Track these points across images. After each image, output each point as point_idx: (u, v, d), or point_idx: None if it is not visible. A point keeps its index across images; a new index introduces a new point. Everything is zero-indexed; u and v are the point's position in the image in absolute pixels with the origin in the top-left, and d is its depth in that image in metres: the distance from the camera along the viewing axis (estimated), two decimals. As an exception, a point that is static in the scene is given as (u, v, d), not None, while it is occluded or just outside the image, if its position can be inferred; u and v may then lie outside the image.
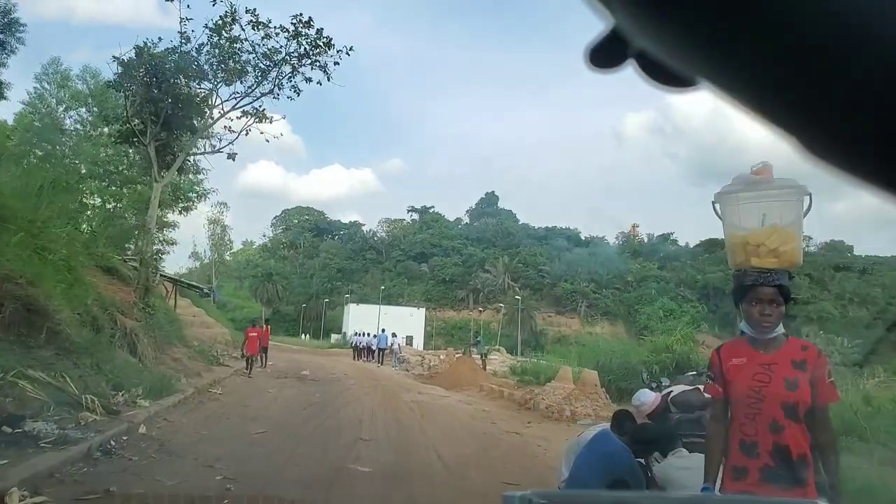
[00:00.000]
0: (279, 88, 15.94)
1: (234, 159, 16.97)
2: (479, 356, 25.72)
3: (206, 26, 14.99)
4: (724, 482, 2.36)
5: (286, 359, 25.61)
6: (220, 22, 14.93)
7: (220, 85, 15.98)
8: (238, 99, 16.11)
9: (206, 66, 15.45)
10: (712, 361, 2.53)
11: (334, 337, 66.43)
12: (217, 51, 15.24)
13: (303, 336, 71.84)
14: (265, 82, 15.89)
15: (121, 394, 8.10)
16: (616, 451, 3.60)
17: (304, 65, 15.66)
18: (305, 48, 15.41)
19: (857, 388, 11.08)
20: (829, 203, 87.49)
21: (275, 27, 15.24)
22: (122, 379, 8.57)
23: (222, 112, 16.27)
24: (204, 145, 17.79)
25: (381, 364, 29.61)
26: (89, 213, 22.52)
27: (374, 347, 32.56)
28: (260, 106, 16.27)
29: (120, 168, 27.10)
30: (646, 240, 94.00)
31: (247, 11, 15.01)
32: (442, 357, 29.34)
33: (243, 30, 15.19)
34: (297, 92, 15.93)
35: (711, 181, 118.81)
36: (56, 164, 23.82)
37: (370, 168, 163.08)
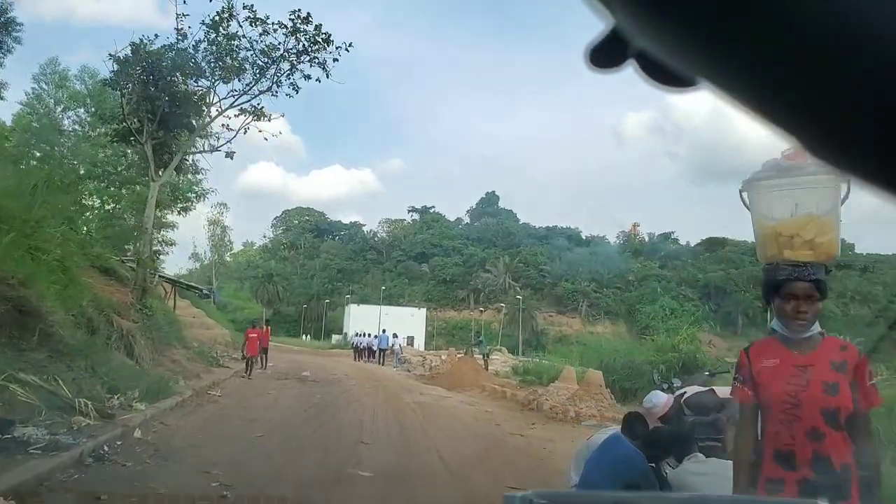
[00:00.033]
0: (277, 86, 15.82)
1: (232, 158, 16.84)
2: (480, 356, 25.54)
3: (202, 23, 14.84)
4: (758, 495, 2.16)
5: (287, 360, 25.47)
6: (217, 18, 14.77)
7: (217, 82, 15.85)
8: (236, 96, 15.99)
9: (203, 64, 15.30)
10: (741, 362, 2.33)
11: (335, 338, 66.33)
12: (214, 48, 15.08)
13: (303, 337, 71.74)
14: (263, 79, 15.76)
15: (116, 397, 7.93)
16: (629, 456, 3.47)
17: (302, 61, 15.52)
18: (304, 45, 15.26)
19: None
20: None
21: (273, 23, 15.10)
22: (118, 381, 8.40)
23: (220, 110, 16.14)
24: (202, 144, 17.64)
25: (382, 365, 29.46)
26: (88, 214, 22.37)
27: (374, 348, 32.42)
28: (258, 104, 16.14)
29: (119, 169, 26.92)
30: (647, 239, 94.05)
31: (244, 7, 14.89)
32: (443, 357, 29.16)
33: (241, 26, 15.06)
34: (296, 89, 15.81)
35: (712, 180, 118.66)
36: (54, 164, 23.65)
37: (370, 168, 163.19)
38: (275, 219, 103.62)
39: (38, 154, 26.13)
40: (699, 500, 2.17)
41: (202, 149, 17.74)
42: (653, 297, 73.06)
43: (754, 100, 0.37)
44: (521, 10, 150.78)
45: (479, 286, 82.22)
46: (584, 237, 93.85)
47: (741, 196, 2.40)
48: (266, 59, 15.46)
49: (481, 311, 78.30)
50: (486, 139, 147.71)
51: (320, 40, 15.21)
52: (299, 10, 15.04)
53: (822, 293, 2.18)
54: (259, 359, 18.34)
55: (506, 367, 25.76)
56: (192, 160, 19.84)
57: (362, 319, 53.79)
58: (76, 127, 30.82)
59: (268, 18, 15.06)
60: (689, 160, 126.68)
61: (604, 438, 3.73)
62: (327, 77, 15.57)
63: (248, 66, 15.53)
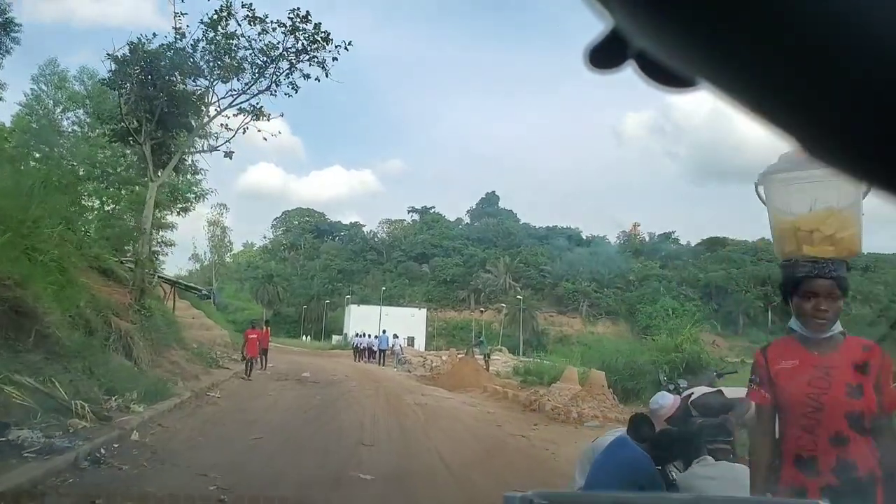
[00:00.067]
0: (276, 85, 15.74)
1: (231, 157, 16.74)
2: (481, 357, 25.45)
3: (201, 21, 14.74)
4: None
5: (287, 360, 25.38)
6: (215, 17, 14.67)
7: (216, 82, 15.75)
8: (235, 96, 15.89)
9: (201, 63, 15.20)
10: (757, 363, 2.24)
11: (335, 338, 66.21)
12: (213, 47, 14.97)
13: (304, 338, 71.61)
14: (262, 79, 15.67)
15: (113, 399, 7.84)
16: (636, 458, 3.38)
17: (301, 61, 15.43)
18: (303, 43, 15.17)
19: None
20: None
21: (272, 22, 15.01)
22: (116, 383, 8.32)
23: (219, 109, 16.04)
24: (201, 144, 17.55)
25: (383, 365, 29.36)
26: (87, 214, 22.24)
27: (375, 348, 32.33)
28: (257, 103, 16.04)
29: (118, 169, 26.84)
30: (647, 239, 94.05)
31: (243, 6, 14.79)
32: (444, 358, 29.07)
33: (239, 25, 14.97)
34: (295, 89, 15.73)
35: (712, 180, 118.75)
36: (53, 165, 23.55)
37: (370, 169, 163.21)
38: (275, 219, 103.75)
39: (37, 155, 26.05)
40: (697, 501, 2.14)
41: (201, 149, 17.67)
42: (654, 297, 72.91)
43: (754, 100, 0.36)
44: (521, 10, 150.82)
45: (479, 286, 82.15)
46: (584, 237, 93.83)
47: (756, 190, 2.30)
48: (265, 59, 15.38)
49: (482, 311, 78.23)
50: (486, 139, 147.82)
51: (319, 39, 15.12)
52: (298, 8, 14.97)
53: (843, 291, 2.08)
54: (259, 360, 18.26)
55: (507, 368, 25.65)
56: (191, 160, 19.80)
57: (362, 320, 53.71)
58: (75, 128, 30.76)
59: (266, 17, 15.00)
60: (689, 160, 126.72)
61: (609, 441, 3.65)
62: (327, 76, 15.50)
63: (246, 66, 15.45)
